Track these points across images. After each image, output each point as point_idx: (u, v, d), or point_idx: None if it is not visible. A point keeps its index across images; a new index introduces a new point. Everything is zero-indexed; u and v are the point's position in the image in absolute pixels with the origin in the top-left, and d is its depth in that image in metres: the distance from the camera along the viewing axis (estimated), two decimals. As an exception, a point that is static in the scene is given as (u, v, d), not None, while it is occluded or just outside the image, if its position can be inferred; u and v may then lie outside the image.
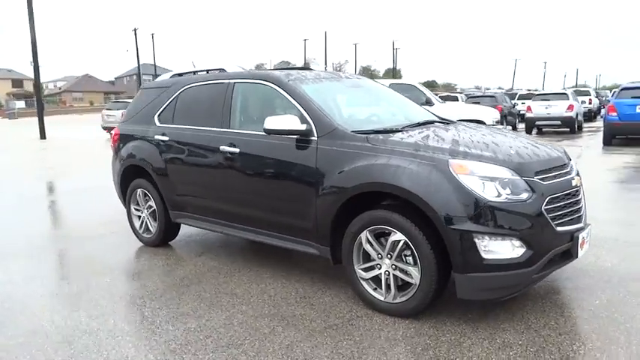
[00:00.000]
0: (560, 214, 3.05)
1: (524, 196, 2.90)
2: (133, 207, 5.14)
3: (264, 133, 3.84)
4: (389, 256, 3.16)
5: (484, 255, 2.83)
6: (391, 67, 71.49)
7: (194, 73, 4.91)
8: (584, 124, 20.97)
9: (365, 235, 3.24)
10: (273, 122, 3.58)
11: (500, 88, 57.42)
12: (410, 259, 3.10)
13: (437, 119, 4.21)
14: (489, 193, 2.87)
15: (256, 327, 3.15)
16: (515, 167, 2.98)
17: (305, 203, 3.54)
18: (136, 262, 4.58)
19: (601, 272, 3.83)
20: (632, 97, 12.37)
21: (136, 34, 54.27)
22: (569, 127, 17.05)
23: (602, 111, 28.68)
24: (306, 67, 4.69)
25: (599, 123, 23.85)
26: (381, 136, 3.37)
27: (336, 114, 3.71)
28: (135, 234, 5.18)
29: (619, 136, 12.84)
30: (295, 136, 3.63)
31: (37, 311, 3.53)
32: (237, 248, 4.89)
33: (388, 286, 3.21)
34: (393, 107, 4.47)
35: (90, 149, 16.34)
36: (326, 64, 61.59)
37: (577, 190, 3.26)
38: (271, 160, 3.76)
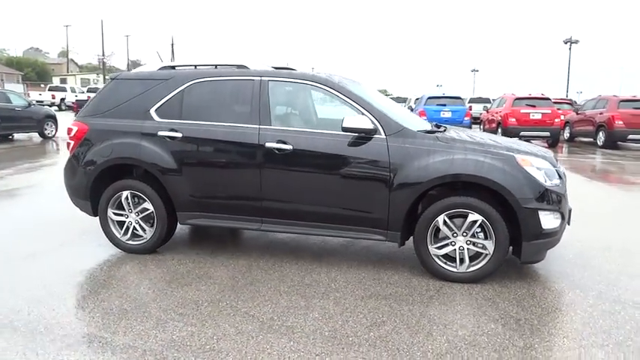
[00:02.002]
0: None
1: (557, 181, 3.94)
2: (111, 212, 4.57)
3: (321, 131, 4.11)
4: (464, 234, 3.85)
5: (543, 226, 3.77)
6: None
7: (195, 67, 4.66)
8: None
9: (442, 218, 3.85)
10: (351, 121, 3.88)
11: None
12: (481, 235, 3.85)
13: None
14: (542, 179, 3.82)
15: (373, 307, 3.47)
16: (549, 160, 4.01)
17: (376, 195, 3.94)
18: (150, 270, 4.18)
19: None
20: (437, 105, 15.40)
21: None
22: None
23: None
24: (287, 67, 4.89)
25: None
26: (448, 135, 4.02)
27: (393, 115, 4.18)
28: (113, 242, 4.62)
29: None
30: (356, 134, 3.99)
31: (121, 329, 3.11)
32: (244, 246, 4.85)
33: (462, 259, 3.89)
34: (399, 110, 5.10)
35: None
36: (103, 54, 56.35)
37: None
38: (337, 156, 4.00)
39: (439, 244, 3.92)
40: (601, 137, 15.37)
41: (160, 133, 4.36)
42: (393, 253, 4.67)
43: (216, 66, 4.61)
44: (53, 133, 16.29)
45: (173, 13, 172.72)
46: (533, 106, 15.04)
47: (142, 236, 4.56)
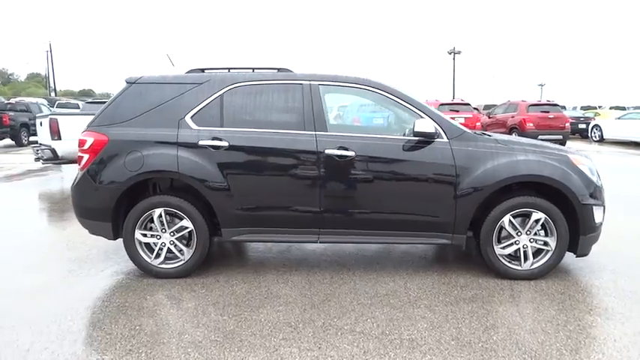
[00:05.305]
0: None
1: (597, 178, 4.23)
2: (139, 233, 4.05)
3: (382, 136, 4.06)
4: (527, 232, 3.98)
5: (595, 220, 4.02)
6: (35, 71, 71.35)
7: (228, 70, 4.28)
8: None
9: (507, 218, 3.95)
10: (421, 125, 3.84)
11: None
12: (542, 232, 4.01)
13: None
14: (591, 176, 4.08)
15: (470, 311, 3.45)
16: (590, 158, 4.30)
17: (442, 198, 3.93)
18: (203, 295, 3.76)
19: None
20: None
21: None
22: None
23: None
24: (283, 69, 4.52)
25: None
26: (504, 137, 4.13)
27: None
28: (141, 267, 4.12)
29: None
30: (417, 138, 3.97)
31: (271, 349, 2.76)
32: (280, 262, 4.57)
33: (525, 257, 4.01)
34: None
35: None
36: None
37: None
38: (402, 161, 3.93)
39: (503, 244, 4.01)
40: (513, 139, 16.83)
41: (202, 142, 3.96)
42: (434, 256, 4.70)
43: (253, 69, 4.30)
44: None
45: (49, 15, 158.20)
46: (457, 111, 16.08)
47: (177, 258, 4.10)
